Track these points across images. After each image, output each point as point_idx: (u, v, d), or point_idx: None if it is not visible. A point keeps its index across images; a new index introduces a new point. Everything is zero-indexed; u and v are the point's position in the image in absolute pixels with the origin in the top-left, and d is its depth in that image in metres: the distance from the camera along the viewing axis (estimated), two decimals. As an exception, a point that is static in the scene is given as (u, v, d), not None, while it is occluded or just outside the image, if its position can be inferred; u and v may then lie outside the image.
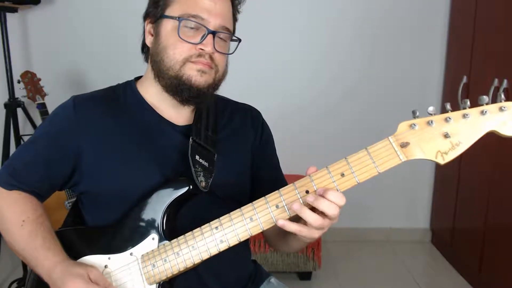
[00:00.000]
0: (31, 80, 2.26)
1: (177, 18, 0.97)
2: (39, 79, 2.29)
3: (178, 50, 0.97)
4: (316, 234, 0.85)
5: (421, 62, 2.79)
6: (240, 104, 1.19)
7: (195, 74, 0.97)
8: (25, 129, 2.61)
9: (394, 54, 2.78)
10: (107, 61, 2.69)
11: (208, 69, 0.98)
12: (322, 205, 0.82)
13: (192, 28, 0.97)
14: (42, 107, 2.23)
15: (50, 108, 2.23)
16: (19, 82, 2.26)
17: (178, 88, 0.99)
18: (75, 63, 2.74)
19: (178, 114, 1.06)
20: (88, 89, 2.72)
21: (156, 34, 1.02)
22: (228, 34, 1.01)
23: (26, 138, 2.36)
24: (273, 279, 1.18)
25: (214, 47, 0.97)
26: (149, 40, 1.04)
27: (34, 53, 2.73)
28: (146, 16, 1.05)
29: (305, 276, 2.46)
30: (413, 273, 2.58)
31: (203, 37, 0.96)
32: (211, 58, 0.98)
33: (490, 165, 2.21)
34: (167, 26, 0.99)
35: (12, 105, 2.35)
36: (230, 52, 1.04)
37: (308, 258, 2.38)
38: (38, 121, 2.35)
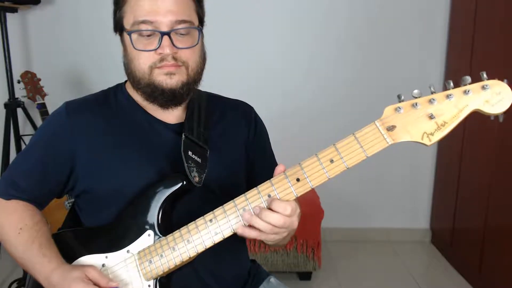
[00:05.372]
0: (31, 80, 2.26)
1: (127, 32, 0.97)
2: (39, 79, 2.29)
3: (141, 61, 0.97)
4: (274, 237, 0.89)
5: (421, 62, 2.79)
6: (232, 100, 1.19)
7: (164, 78, 0.97)
8: (25, 129, 2.61)
9: (394, 54, 2.78)
10: (107, 61, 2.68)
11: (175, 69, 0.97)
12: (266, 218, 0.86)
13: (147, 35, 0.96)
14: (42, 107, 2.24)
15: (50, 108, 2.24)
16: (19, 82, 2.26)
17: (153, 94, 0.99)
18: (75, 63, 2.74)
19: (169, 114, 1.06)
20: (88, 89, 2.72)
21: (123, 47, 1.02)
22: (187, 27, 0.97)
23: (26, 138, 2.38)
24: (272, 279, 1.18)
25: (174, 45, 0.95)
26: (122, 52, 1.04)
27: (34, 53, 2.73)
28: (114, 29, 1.04)
29: (305, 276, 2.46)
30: (413, 273, 2.58)
31: (159, 41, 0.95)
32: (175, 58, 0.96)
33: (490, 165, 2.22)
34: (127, 39, 0.98)
35: (12, 105, 2.35)
36: (196, 43, 0.99)
37: (308, 258, 2.38)
38: (38, 121, 2.35)
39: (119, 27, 1.01)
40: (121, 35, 1.02)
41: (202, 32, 1.02)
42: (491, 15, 2.26)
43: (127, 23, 0.98)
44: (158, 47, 0.95)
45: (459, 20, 2.64)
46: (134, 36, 0.96)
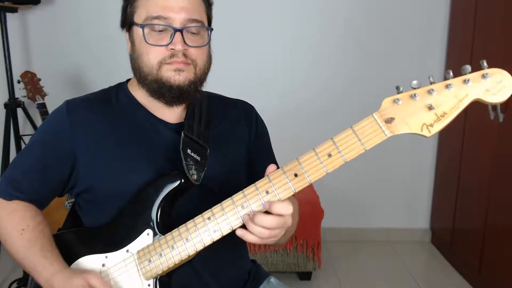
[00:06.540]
0: (31, 80, 2.26)
1: (140, 26, 0.97)
2: (39, 79, 2.29)
3: (151, 56, 0.97)
4: (273, 240, 0.88)
5: (421, 61, 2.79)
6: (233, 99, 1.20)
7: (173, 75, 0.97)
8: (25, 129, 2.61)
9: (394, 54, 2.78)
10: (107, 61, 2.69)
11: (184, 66, 0.97)
12: (260, 222, 0.85)
13: (159, 30, 0.96)
14: (42, 107, 2.24)
15: (50, 108, 2.23)
16: (19, 82, 2.26)
17: (160, 91, 0.99)
18: (75, 63, 2.74)
19: (171, 113, 1.06)
20: (88, 89, 2.72)
21: (132, 42, 1.02)
22: (199, 26, 0.98)
23: (26, 138, 2.38)
24: (272, 279, 1.18)
25: (186, 43, 0.96)
26: (128, 48, 1.05)
27: (34, 53, 2.73)
28: (122, 24, 1.05)
29: (305, 276, 2.46)
30: (413, 273, 2.58)
31: (171, 37, 0.96)
32: (185, 55, 0.97)
33: (490, 165, 2.21)
34: (138, 33, 0.99)
35: (12, 105, 2.35)
36: (205, 43, 1.01)
37: (308, 258, 2.37)
38: (38, 121, 2.35)
39: (128, 22, 1.01)
40: (129, 30, 1.03)
41: (210, 34, 1.03)
42: (491, 15, 2.26)
43: (139, 18, 0.98)
44: (169, 43, 0.96)
45: (459, 20, 2.64)
46: (146, 30, 0.96)
